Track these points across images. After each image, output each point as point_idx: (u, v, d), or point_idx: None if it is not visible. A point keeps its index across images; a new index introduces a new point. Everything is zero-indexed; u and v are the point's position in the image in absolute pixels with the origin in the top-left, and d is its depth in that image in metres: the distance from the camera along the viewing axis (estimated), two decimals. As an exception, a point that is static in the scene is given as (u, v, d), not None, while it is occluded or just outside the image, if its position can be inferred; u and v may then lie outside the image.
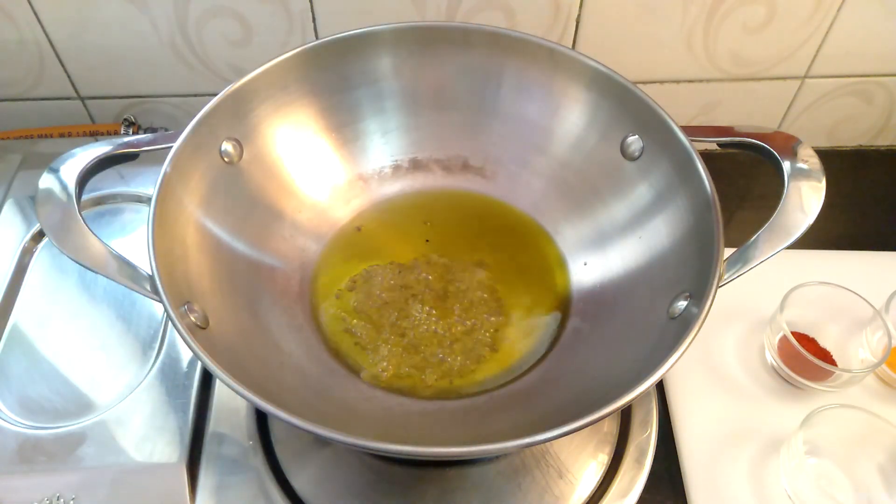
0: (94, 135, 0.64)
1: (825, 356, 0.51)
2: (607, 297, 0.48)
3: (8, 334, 0.51)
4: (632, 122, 0.47)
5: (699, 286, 0.38)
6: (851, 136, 0.71)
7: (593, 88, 0.48)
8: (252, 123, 0.47)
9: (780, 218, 0.40)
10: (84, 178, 0.41)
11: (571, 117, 0.50)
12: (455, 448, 0.32)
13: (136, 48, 0.61)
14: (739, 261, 0.40)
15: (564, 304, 0.49)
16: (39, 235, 0.56)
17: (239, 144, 0.47)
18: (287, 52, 0.47)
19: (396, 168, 0.54)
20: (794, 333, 0.49)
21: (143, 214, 0.53)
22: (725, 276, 0.39)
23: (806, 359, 0.48)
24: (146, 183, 0.59)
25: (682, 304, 0.40)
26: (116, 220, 0.58)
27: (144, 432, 0.46)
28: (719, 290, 0.37)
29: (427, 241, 0.52)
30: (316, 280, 0.50)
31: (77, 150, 0.42)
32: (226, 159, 0.46)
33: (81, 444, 0.45)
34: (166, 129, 0.65)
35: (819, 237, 0.54)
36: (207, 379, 0.49)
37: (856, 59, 0.63)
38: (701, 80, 0.65)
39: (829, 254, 0.59)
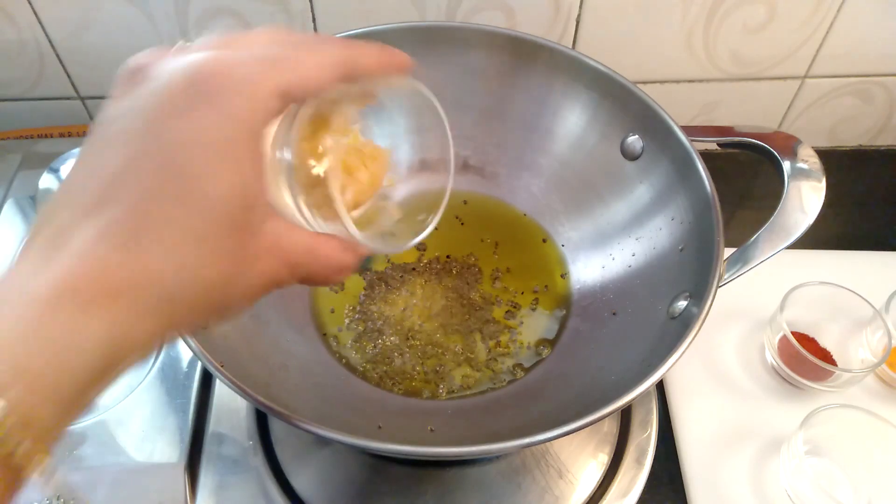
0: (94, 135, 0.64)
1: (825, 356, 0.51)
2: (607, 297, 0.48)
3: (8, 334, 0.51)
4: (632, 122, 0.47)
5: (699, 286, 0.38)
6: (851, 136, 0.71)
7: (593, 88, 0.48)
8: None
9: (780, 218, 0.40)
10: (84, 178, 0.41)
11: (571, 117, 0.50)
12: (455, 448, 0.32)
13: (136, 48, 0.60)
14: (739, 261, 0.40)
15: (565, 305, 0.49)
16: (40, 235, 0.56)
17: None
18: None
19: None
20: (794, 333, 0.49)
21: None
22: (725, 276, 0.39)
23: (806, 359, 0.48)
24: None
25: (683, 303, 0.40)
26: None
27: (144, 432, 0.46)
28: (719, 290, 0.37)
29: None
30: (316, 280, 0.50)
31: (77, 150, 0.42)
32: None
33: (81, 444, 0.45)
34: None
35: (819, 237, 0.54)
36: (207, 379, 0.49)
37: (856, 59, 0.63)
38: (701, 80, 0.65)
39: (829, 254, 0.59)
